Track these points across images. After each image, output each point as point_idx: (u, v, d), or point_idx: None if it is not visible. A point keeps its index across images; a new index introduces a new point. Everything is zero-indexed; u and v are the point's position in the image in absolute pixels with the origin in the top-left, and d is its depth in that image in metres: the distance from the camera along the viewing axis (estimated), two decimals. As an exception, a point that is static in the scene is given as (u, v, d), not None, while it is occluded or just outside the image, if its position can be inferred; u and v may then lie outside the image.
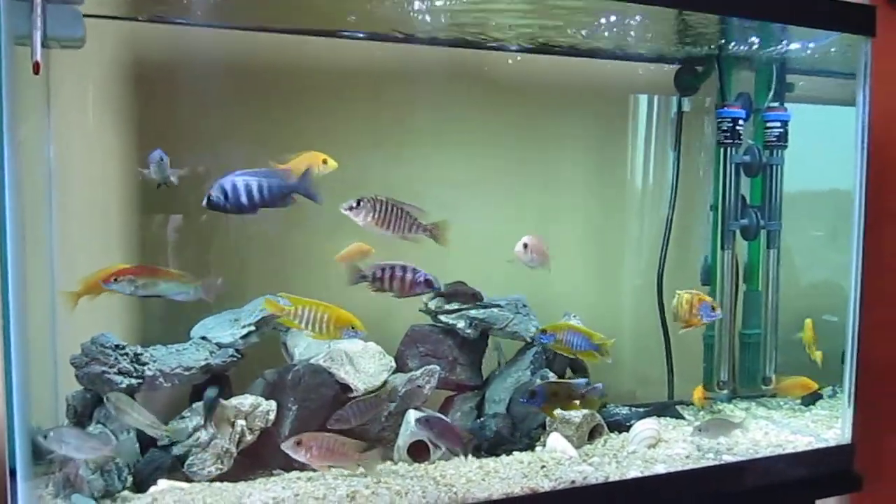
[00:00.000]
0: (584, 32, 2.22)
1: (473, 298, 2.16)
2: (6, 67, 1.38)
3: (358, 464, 1.78)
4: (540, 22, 2.15)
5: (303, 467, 1.85)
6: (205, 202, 1.66)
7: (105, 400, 1.71)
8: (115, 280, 1.64)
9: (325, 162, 1.83)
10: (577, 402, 1.94)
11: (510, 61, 2.42)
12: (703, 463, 2.02)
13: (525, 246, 2.03)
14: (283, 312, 1.76)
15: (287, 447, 1.72)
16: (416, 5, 1.98)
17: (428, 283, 1.90)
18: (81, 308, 1.81)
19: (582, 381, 1.97)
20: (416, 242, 1.89)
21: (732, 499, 2.07)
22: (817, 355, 2.48)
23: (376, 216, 1.79)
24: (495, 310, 2.15)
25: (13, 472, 1.40)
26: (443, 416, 2.03)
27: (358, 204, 1.78)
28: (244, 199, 1.65)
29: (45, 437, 1.58)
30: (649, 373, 2.56)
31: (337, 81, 2.24)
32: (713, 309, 2.14)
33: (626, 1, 1.85)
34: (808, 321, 2.50)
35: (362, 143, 2.22)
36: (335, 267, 2.23)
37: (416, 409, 1.99)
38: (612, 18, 2.09)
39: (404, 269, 1.87)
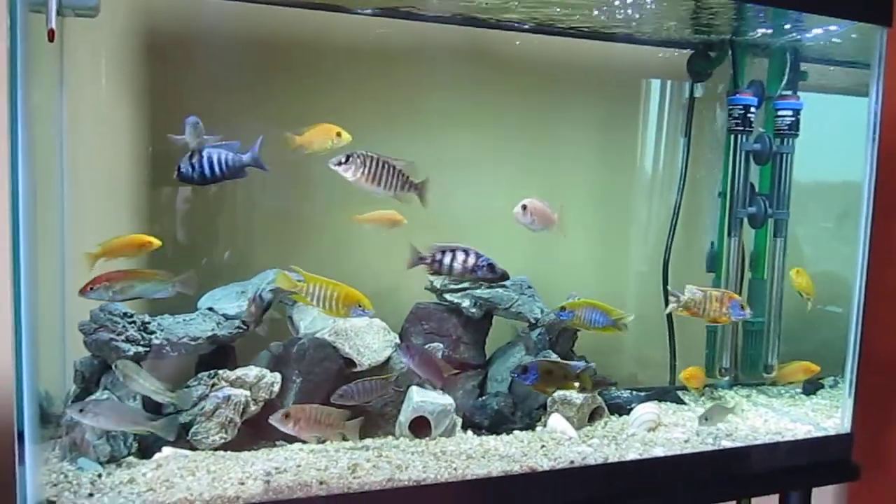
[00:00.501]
0: (597, 15, 2.20)
1: (501, 278, 2.13)
2: (22, 36, 1.38)
3: (341, 433, 1.82)
4: (554, 4, 2.14)
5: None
6: (175, 174, 1.73)
7: (113, 367, 1.73)
8: (92, 288, 1.68)
9: (339, 135, 1.84)
10: (577, 383, 1.96)
11: (518, 42, 2.41)
12: (702, 447, 2.04)
13: (524, 207, 1.96)
14: (295, 288, 1.77)
15: (275, 420, 1.74)
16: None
17: (491, 268, 1.89)
18: (90, 275, 1.84)
19: (580, 363, 1.99)
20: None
21: (730, 483, 2.08)
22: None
23: (366, 172, 1.78)
24: (500, 290, 2.17)
25: (21, 435, 1.42)
26: (425, 348, 2.05)
27: (347, 159, 1.77)
28: (207, 171, 1.73)
29: (81, 410, 1.60)
30: (652, 357, 2.57)
31: (349, 57, 2.24)
32: (742, 307, 2.12)
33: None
34: (794, 269, 2.49)
35: (372, 119, 2.22)
36: (342, 239, 2.26)
37: (418, 385, 2.01)
38: (627, 1, 2.08)
39: (466, 252, 1.86)
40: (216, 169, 1.74)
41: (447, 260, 1.86)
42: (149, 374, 1.74)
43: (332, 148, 1.82)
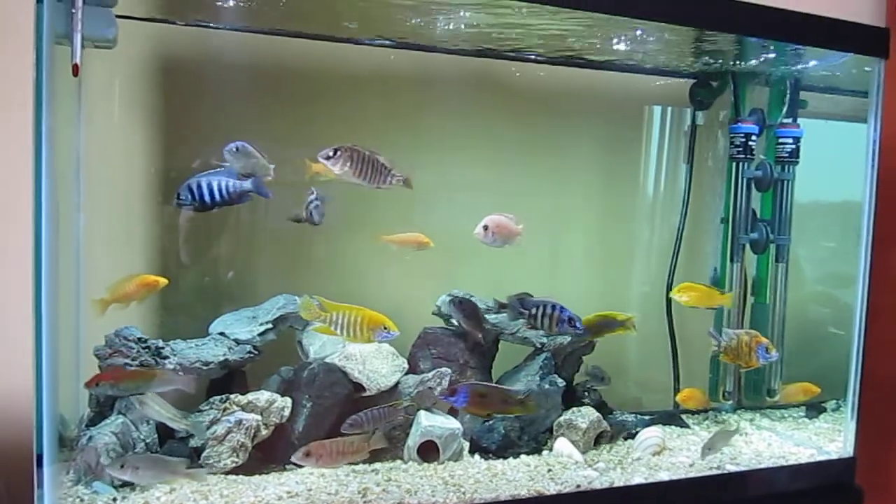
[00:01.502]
0: (603, 46, 2.25)
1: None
2: (47, 67, 1.42)
3: (369, 448, 1.84)
4: (558, 37, 2.19)
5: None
6: (175, 202, 1.77)
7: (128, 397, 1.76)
8: (98, 384, 1.70)
9: None
10: (517, 408, 1.93)
11: (517, 73, 2.46)
12: (706, 472, 2.06)
13: (485, 228, 1.99)
14: (319, 318, 1.80)
15: (297, 459, 1.75)
16: (439, 18, 2.02)
17: (570, 322, 1.98)
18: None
19: (519, 389, 2.01)
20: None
21: (734, 508, 2.11)
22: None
23: (353, 165, 1.82)
24: (507, 315, 2.19)
25: (40, 458, 1.44)
26: (473, 301, 2.15)
27: (335, 153, 1.81)
28: (207, 197, 1.76)
29: (122, 466, 1.62)
30: (655, 381, 2.60)
31: (356, 85, 2.29)
32: (768, 350, 2.16)
33: (643, 19, 1.89)
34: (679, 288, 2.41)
35: (378, 146, 2.27)
36: (349, 264, 2.29)
37: (426, 409, 2.03)
38: (633, 33, 2.13)
39: (554, 307, 1.97)
40: (216, 195, 1.77)
41: (539, 313, 1.98)
42: (164, 401, 1.76)
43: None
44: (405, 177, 1.89)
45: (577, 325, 1.99)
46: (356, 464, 1.86)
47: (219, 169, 1.81)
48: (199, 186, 1.76)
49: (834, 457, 2.25)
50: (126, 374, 1.73)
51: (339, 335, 1.81)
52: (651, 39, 2.19)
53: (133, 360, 1.79)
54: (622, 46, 2.26)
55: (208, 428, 1.83)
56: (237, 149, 1.80)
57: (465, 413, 1.99)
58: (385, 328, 1.81)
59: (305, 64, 2.24)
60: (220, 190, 1.77)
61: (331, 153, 1.81)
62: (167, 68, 2.11)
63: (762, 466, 2.13)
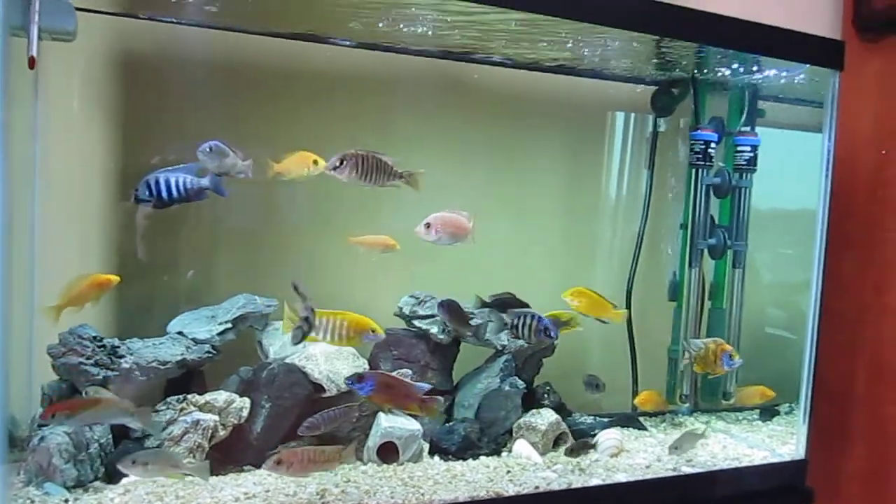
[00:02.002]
0: (566, 52, 2.27)
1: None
2: (2, 59, 1.39)
3: (340, 462, 1.80)
4: (523, 43, 2.20)
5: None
6: (132, 198, 1.75)
7: (83, 394, 1.72)
8: (53, 415, 1.62)
9: (315, 162, 1.87)
10: (416, 405, 1.86)
11: (476, 76, 2.46)
12: (663, 473, 2.09)
13: (427, 226, 1.93)
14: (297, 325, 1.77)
15: (267, 468, 1.70)
16: (407, 21, 2.03)
17: (546, 332, 2.05)
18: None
19: (424, 385, 1.87)
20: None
21: (690, 509, 2.14)
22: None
23: (360, 171, 1.84)
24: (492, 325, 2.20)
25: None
26: (457, 301, 2.15)
27: (342, 163, 1.82)
28: (165, 194, 1.75)
29: (134, 462, 1.61)
30: (614, 383, 2.62)
31: (321, 85, 2.28)
32: (732, 357, 2.22)
33: (603, 25, 1.91)
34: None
35: (342, 142, 2.26)
36: (310, 264, 2.28)
37: (385, 412, 2.03)
38: (594, 40, 2.15)
39: (532, 316, 2.05)
40: (173, 192, 1.75)
41: (520, 323, 2.05)
42: (121, 399, 1.73)
43: (308, 175, 1.85)
44: (409, 173, 1.89)
45: (553, 334, 2.06)
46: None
47: (178, 166, 1.79)
48: (157, 183, 1.75)
49: (786, 459, 2.30)
50: (81, 403, 1.68)
51: (325, 341, 1.78)
52: (614, 46, 2.21)
53: (87, 358, 1.76)
54: (585, 52, 2.28)
55: (164, 428, 1.81)
56: (210, 148, 1.78)
57: (369, 399, 1.90)
58: (372, 331, 1.81)
59: (269, 61, 2.22)
60: (177, 187, 1.76)
61: (337, 163, 1.81)
62: (128, 63, 2.07)
63: (717, 468, 2.17)
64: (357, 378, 1.80)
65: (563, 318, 2.24)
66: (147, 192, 1.74)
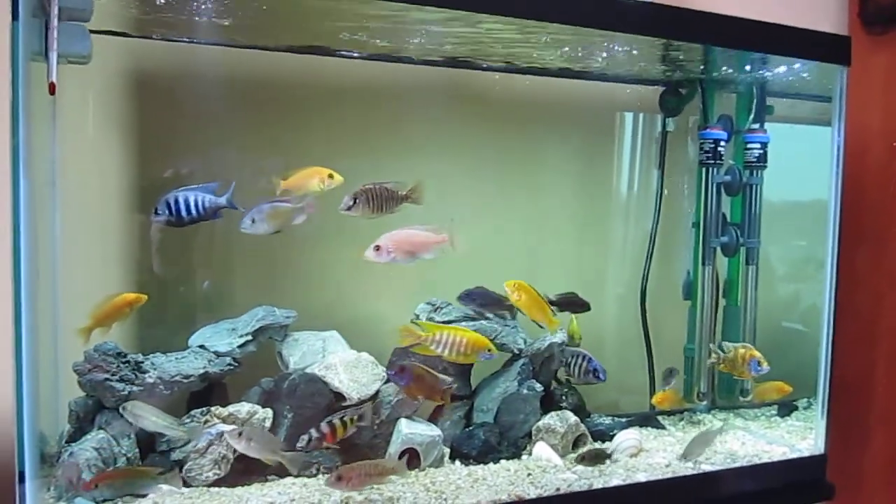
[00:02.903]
0: (575, 55, 2.29)
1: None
2: (23, 85, 1.43)
3: (394, 475, 1.85)
4: (529, 47, 2.22)
5: (298, 473, 1.91)
6: (153, 215, 1.79)
7: (121, 409, 1.77)
8: (96, 486, 1.70)
9: (330, 176, 1.89)
10: (439, 396, 1.97)
11: (487, 82, 2.49)
12: (683, 472, 2.10)
13: (377, 248, 1.85)
14: (420, 340, 1.91)
15: (329, 484, 1.76)
16: (412, 31, 2.05)
17: (595, 373, 2.24)
18: (82, 313, 1.88)
19: (447, 378, 1.97)
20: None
21: (711, 506, 2.15)
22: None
23: (371, 205, 1.88)
24: (484, 322, 2.22)
25: (22, 476, 1.44)
26: (484, 288, 2.18)
27: (354, 202, 1.86)
28: (184, 213, 1.79)
29: (240, 434, 1.75)
30: (632, 383, 2.64)
31: (334, 97, 2.31)
32: (759, 363, 2.29)
33: (609, 30, 1.93)
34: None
35: (355, 156, 2.29)
36: (326, 273, 2.31)
37: (406, 418, 2.05)
38: (603, 43, 2.18)
39: (584, 357, 2.25)
40: (192, 211, 1.79)
41: (573, 363, 2.26)
42: (157, 409, 1.76)
43: (323, 190, 1.88)
44: (411, 191, 1.93)
45: (601, 376, 2.25)
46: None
47: (196, 186, 1.82)
48: (177, 202, 1.78)
49: (806, 454, 2.31)
50: (120, 473, 1.75)
51: (442, 354, 1.91)
52: (622, 49, 2.23)
53: (113, 374, 1.79)
54: (595, 56, 2.30)
55: (189, 442, 1.84)
56: (265, 211, 1.86)
57: (403, 393, 2.00)
58: (488, 350, 1.95)
59: (280, 77, 2.25)
60: (196, 205, 1.80)
61: (350, 203, 1.85)
62: (142, 81, 2.11)
63: (736, 465, 2.17)
64: (399, 369, 1.90)
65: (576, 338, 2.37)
66: (167, 211, 1.78)
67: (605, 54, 2.28)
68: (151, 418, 1.76)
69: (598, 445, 2.21)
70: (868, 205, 2.64)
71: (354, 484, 1.76)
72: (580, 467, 2.07)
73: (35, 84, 1.55)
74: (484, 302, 2.17)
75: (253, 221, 1.84)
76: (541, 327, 2.17)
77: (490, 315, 2.24)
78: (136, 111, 2.11)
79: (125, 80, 2.10)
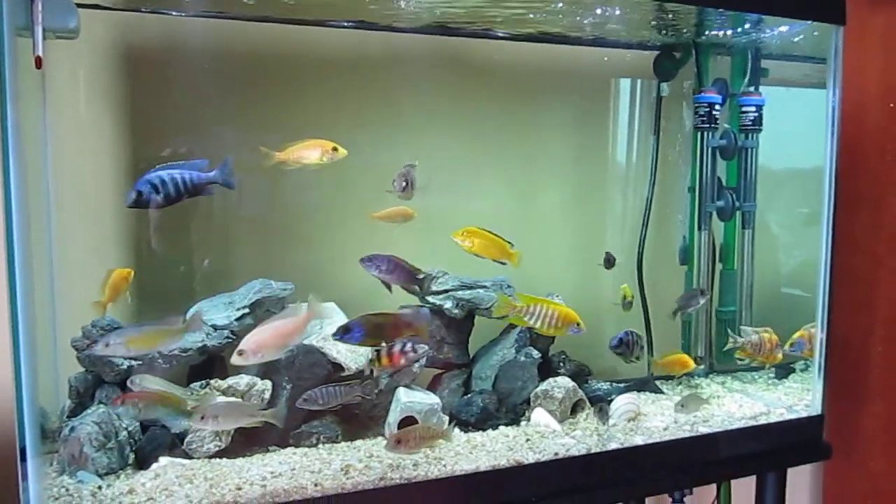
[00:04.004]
0: (568, 20, 2.27)
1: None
2: (9, 60, 1.41)
3: (442, 440, 1.90)
4: (523, 10, 2.21)
5: (297, 443, 1.93)
6: (133, 198, 1.67)
7: (129, 382, 1.78)
8: (123, 402, 1.71)
9: (334, 150, 1.88)
10: (410, 330, 1.88)
11: (487, 50, 2.47)
12: (680, 434, 2.12)
13: (241, 353, 1.70)
14: (514, 310, 1.98)
15: (389, 447, 1.81)
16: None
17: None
18: (78, 290, 1.89)
19: (425, 310, 1.97)
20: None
21: (708, 468, 2.17)
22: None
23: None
24: (481, 291, 2.22)
25: (23, 451, 1.45)
26: (390, 255, 2.00)
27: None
28: (172, 190, 1.70)
29: (203, 417, 1.70)
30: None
31: (327, 68, 2.29)
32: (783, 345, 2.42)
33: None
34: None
35: (350, 127, 2.28)
36: (326, 246, 2.31)
37: (405, 386, 2.06)
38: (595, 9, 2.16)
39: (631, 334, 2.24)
40: (180, 187, 1.70)
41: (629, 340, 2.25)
42: (165, 381, 1.77)
43: (328, 162, 1.87)
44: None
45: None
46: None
47: (175, 163, 1.74)
48: (163, 181, 1.69)
49: (803, 415, 2.32)
50: (150, 396, 1.75)
51: (534, 326, 1.99)
52: (616, 13, 2.21)
53: (111, 349, 1.80)
54: (588, 20, 2.29)
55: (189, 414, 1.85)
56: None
57: (363, 345, 1.90)
58: (577, 324, 1.99)
59: (274, 48, 2.24)
60: (183, 182, 1.71)
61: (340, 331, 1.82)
62: (132, 56, 2.10)
63: (734, 427, 2.19)
64: (343, 330, 1.79)
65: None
66: (153, 192, 1.69)
67: (598, 18, 2.25)
68: (161, 389, 1.77)
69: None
70: (866, 168, 2.63)
71: (411, 446, 1.82)
72: (581, 425, 2.09)
73: (21, 59, 1.54)
74: (389, 269, 1.99)
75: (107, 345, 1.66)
76: (503, 264, 2.10)
77: (486, 284, 2.24)
78: (127, 85, 2.09)
79: (115, 55, 2.09)
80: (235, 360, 1.70)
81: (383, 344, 1.84)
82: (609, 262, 2.33)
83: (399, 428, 2.00)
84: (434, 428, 1.91)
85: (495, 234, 2.07)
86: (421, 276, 2.04)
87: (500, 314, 2.05)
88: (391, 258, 1.98)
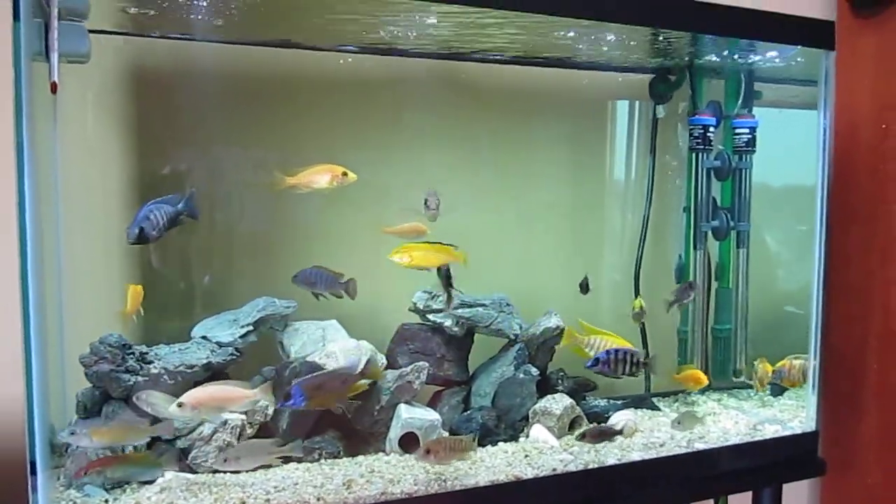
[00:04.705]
0: (566, 45, 2.33)
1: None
2: (26, 85, 1.47)
3: (472, 452, 1.95)
4: (524, 39, 2.26)
5: (300, 459, 1.96)
6: (136, 234, 1.75)
7: (135, 398, 1.81)
8: (86, 473, 1.72)
9: (344, 174, 1.94)
10: (356, 382, 1.93)
11: (491, 76, 2.53)
12: (677, 450, 2.15)
13: (180, 406, 1.74)
14: (575, 341, 2.16)
15: (419, 457, 1.87)
16: (408, 25, 2.09)
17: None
18: (85, 306, 1.93)
19: (354, 361, 1.96)
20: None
21: (705, 484, 2.20)
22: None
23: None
24: (480, 309, 2.26)
25: (33, 465, 1.49)
26: (312, 267, 2.05)
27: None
28: (161, 226, 1.78)
29: (226, 460, 1.80)
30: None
31: (328, 90, 2.35)
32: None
33: (596, 19, 1.96)
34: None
35: (351, 149, 2.33)
36: (326, 265, 2.35)
37: (406, 403, 2.10)
38: (591, 35, 2.22)
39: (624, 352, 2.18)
40: (162, 223, 1.79)
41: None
42: (173, 397, 1.79)
43: (337, 187, 1.92)
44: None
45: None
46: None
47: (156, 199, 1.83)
48: (152, 217, 1.78)
49: (798, 431, 2.36)
50: (111, 460, 1.77)
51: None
52: (611, 39, 2.27)
53: (118, 366, 1.84)
54: (584, 46, 2.34)
55: (193, 430, 1.89)
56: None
57: (308, 409, 1.90)
58: None
59: (278, 72, 2.29)
60: (164, 218, 1.79)
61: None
62: (141, 79, 2.15)
63: (729, 443, 2.23)
64: (284, 397, 1.81)
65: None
66: (147, 229, 1.77)
67: (594, 44, 2.31)
68: (166, 406, 1.80)
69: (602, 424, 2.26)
70: (858, 186, 2.68)
71: (441, 457, 1.87)
72: (576, 447, 2.11)
73: (36, 83, 1.59)
74: (313, 281, 2.05)
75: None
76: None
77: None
78: (136, 107, 2.15)
79: (124, 78, 2.14)
80: (172, 409, 1.74)
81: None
82: (584, 287, 2.36)
83: (399, 445, 2.03)
84: (465, 440, 1.93)
85: (434, 243, 2.07)
86: (344, 281, 2.07)
87: (564, 343, 2.23)
88: (313, 269, 2.04)
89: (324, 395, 1.87)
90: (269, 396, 1.86)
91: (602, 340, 2.14)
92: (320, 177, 1.91)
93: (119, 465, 1.76)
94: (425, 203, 2.07)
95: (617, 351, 2.11)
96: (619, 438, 2.18)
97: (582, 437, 2.14)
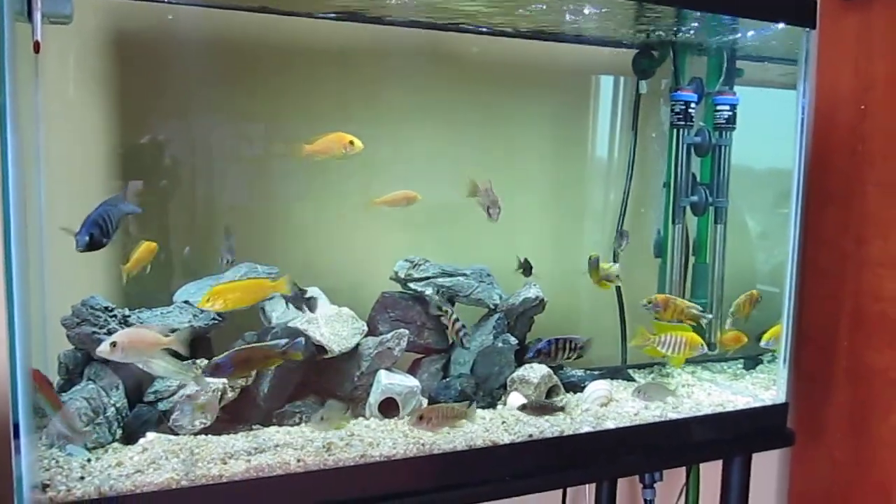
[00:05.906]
0: (549, 18, 2.34)
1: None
2: (9, 46, 1.46)
3: (465, 420, 1.98)
4: (506, 8, 2.27)
5: (280, 422, 1.99)
6: (86, 242, 1.66)
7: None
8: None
9: (351, 143, 1.95)
10: (278, 357, 1.89)
11: (474, 48, 2.54)
12: (650, 419, 2.20)
13: (113, 345, 1.68)
14: (648, 341, 2.25)
15: (412, 423, 1.90)
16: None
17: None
18: (66, 271, 1.93)
19: (280, 341, 1.90)
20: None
21: (676, 452, 2.26)
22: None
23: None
24: (461, 278, 2.30)
25: (16, 427, 1.50)
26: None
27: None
28: (110, 231, 1.71)
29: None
30: (604, 337, 2.72)
31: (314, 59, 2.34)
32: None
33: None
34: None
35: (334, 119, 2.34)
36: (310, 234, 2.37)
37: (385, 369, 2.13)
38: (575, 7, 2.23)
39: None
40: (111, 225, 1.72)
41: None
42: (168, 355, 1.79)
43: (345, 156, 1.93)
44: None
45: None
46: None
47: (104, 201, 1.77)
48: (106, 221, 1.70)
49: (768, 403, 2.41)
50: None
51: (665, 353, 2.26)
52: (597, 12, 2.28)
53: (101, 328, 1.85)
54: (569, 18, 2.35)
55: (175, 393, 1.91)
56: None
57: (234, 377, 1.92)
58: (702, 345, 2.26)
59: (266, 39, 2.28)
60: (113, 220, 1.72)
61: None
62: (125, 43, 2.14)
63: (702, 413, 2.28)
64: (213, 368, 1.80)
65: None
66: (99, 234, 1.69)
67: (579, 16, 2.32)
68: (162, 364, 1.80)
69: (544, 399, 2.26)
70: (836, 167, 2.72)
71: (434, 424, 1.91)
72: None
73: (19, 44, 1.59)
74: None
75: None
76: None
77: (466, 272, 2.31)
78: (119, 72, 2.13)
79: (107, 41, 2.13)
80: (103, 348, 1.67)
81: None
82: (525, 268, 2.39)
83: (379, 410, 2.07)
84: (457, 407, 1.97)
85: (247, 279, 2.05)
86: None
87: (635, 343, 2.30)
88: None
89: (249, 366, 1.89)
90: (182, 347, 1.79)
91: (673, 336, 2.24)
92: (333, 144, 1.92)
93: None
94: (487, 211, 2.18)
95: (557, 340, 2.10)
96: (594, 408, 2.23)
97: (523, 408, 2.14)
